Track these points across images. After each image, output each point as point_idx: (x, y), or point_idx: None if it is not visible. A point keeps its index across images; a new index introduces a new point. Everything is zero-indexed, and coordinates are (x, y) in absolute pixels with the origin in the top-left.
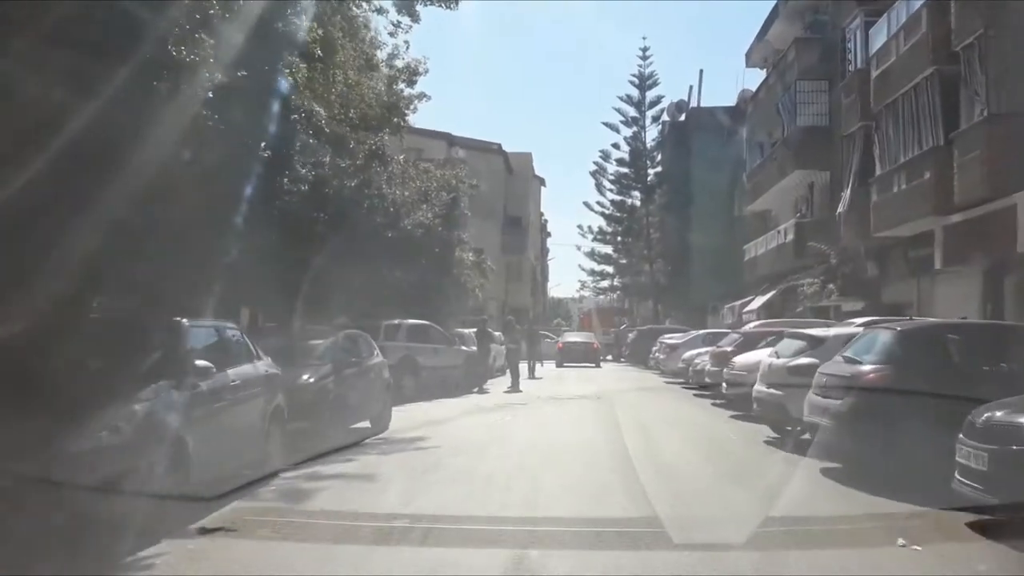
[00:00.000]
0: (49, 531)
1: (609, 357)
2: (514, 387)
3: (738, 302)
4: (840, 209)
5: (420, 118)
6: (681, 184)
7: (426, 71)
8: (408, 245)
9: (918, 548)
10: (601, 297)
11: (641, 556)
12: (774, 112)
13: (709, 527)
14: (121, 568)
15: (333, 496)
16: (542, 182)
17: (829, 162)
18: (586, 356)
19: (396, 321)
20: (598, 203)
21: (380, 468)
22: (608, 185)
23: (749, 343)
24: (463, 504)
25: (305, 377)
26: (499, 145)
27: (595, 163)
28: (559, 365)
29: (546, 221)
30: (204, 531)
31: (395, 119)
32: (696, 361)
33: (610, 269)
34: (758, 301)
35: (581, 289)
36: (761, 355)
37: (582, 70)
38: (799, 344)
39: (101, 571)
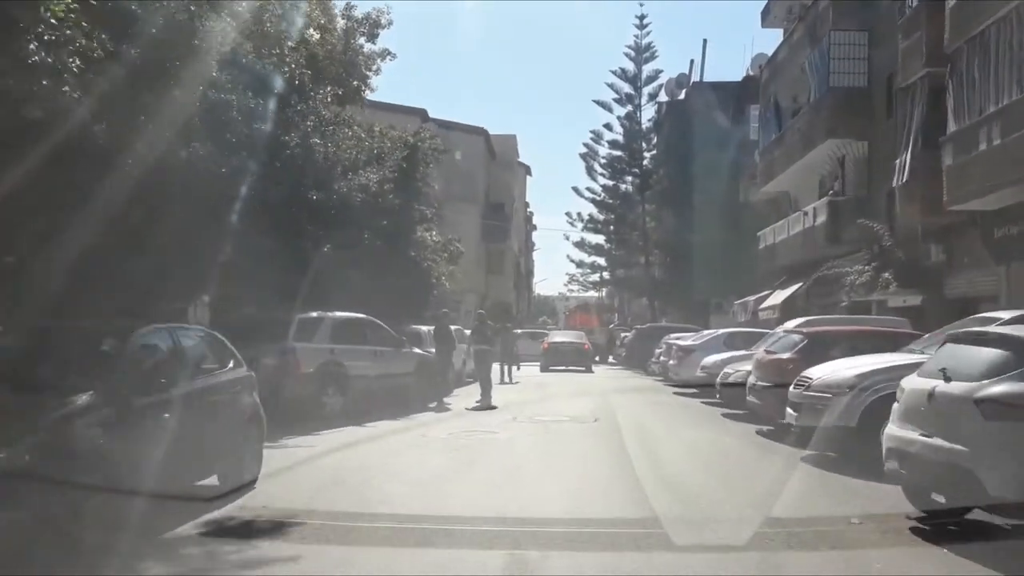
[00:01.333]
0: (47, 530)
1: (597, 358)
2: (484, 402)
3: (752, 297)
4: (898, 180)
5: (393, 94)
6: (680, 168)
7: (389, 23)
8: (345, 213)
9: None
10: (591, 293)
11: None
12: (798, 74)
13: None
14: (120, 568)
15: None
16: (528, 171)
17: (867, 130)
18: (576, 359)
19: (315, 314)
20: (588, 189)
21: None
22: (600, 169)
23: (818, 348)
24: None
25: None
26: (482, 128)
27: (586, 145)
28: (544, 369)
29: (531, 213)
30: (204, 532)
31: (355, 81)
32: (728, 371)
33: (601, 261)
34: (779, 295)
35: (569, 283)
36: (860, 367)
37: (575, 52)
38: (991, 355)
39: (101, 571)
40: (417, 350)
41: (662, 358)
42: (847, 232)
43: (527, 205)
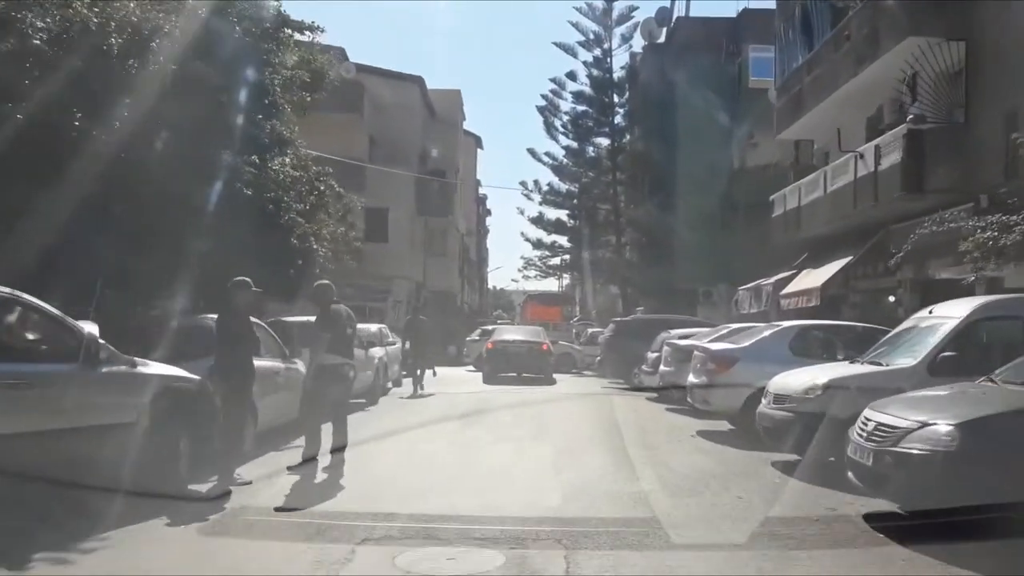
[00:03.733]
0: (45, 529)
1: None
2: (310, 453)
3: (768, 280)
4: None
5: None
6: (660, 127)
7: None
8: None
9: None
10: (551, 282)
11: None
12: None
13: None
14: (120, 568)
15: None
16: (479, 143)
17: (965, 23)
18: (531, 364)
19: None
20: (547, 154)
21: None
22: (562, 127)
23: None
24: None
25: None
26: (417, 76)
27: (545, 97)
28: (489, 378)
29: (485, 196)
30: (204, 530)
31: None
32: (901, 419)
33: (564, 241)
34: (814, 275)
35: (525, 267)
36: None
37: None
38: None
39: (99, 570)
40: (159, 370)
41: (665, 367)
42: (935, 176)
43: (478, 183)
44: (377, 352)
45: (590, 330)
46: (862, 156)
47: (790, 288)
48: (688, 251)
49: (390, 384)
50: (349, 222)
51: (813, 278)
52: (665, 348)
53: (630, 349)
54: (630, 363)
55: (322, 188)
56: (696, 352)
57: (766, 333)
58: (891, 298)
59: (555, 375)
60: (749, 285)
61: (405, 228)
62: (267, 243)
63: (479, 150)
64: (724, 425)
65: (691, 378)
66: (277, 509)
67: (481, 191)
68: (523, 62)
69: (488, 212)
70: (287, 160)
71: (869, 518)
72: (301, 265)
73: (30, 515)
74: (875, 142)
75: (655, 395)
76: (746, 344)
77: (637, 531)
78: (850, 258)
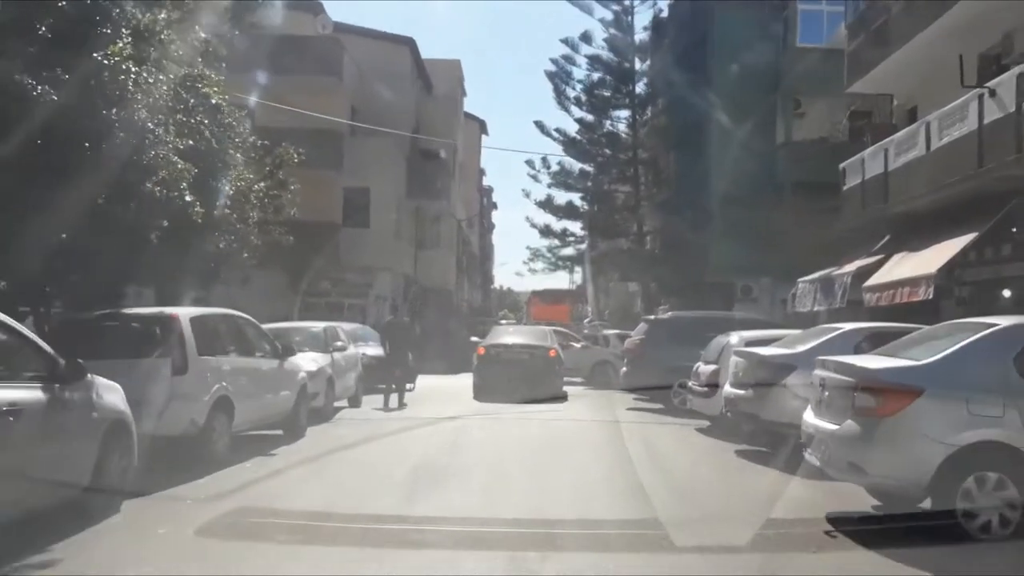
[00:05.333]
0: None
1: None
2: None
3: (843, 269)
4: None
5: None
6: (689, 96)
7: None
8: None
9: None
10: (562, 276)
11: None
12: None
13: None
14: (120, 568)
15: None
16: (483, 128)
17: None
18: (535, 377)
19: None
20: (557, 130)
21: None
22: (574, 99)
23: None
24: None
25: None
26: (407, 38)
27: (555, 61)
28: (480, 395)
29: (490, 188)
30: (201, 531)
31: None
32: None
33: (578, 228)
34: (922, 259)
35: (531, 259)
36: None
37: None
38: None
39: (97, 570)
40: None
41: (735, 389)
42: None
43: (482, 172)
44: (309, 362)
45: (603, 332)
46: (993, 93)
47: (878, 278)
48: (723, 240)
49: (346, 403)
50: (280, 179)
51: (917, 263)
52: (735, 360)
53: (669, 358)
54: (667, 376)
55: (215, 106)
56: (825, 373)
57: (957, 341)
58: (1006, 292)
59: (589, 388)
60: (813, 276)
61: (391, 212)
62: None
63: (484, 136)
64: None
65: (813, 419)
66: (274, 511)
67: (486, 182)
68: (533, 45)
69: (494, 206)
70: (150, 53)
71: None
72: (170, 229)
73: (23, 515)
74: (1018, 69)
75: (707, 423)
76: (931, 361)
77: None
78: (975, 234)
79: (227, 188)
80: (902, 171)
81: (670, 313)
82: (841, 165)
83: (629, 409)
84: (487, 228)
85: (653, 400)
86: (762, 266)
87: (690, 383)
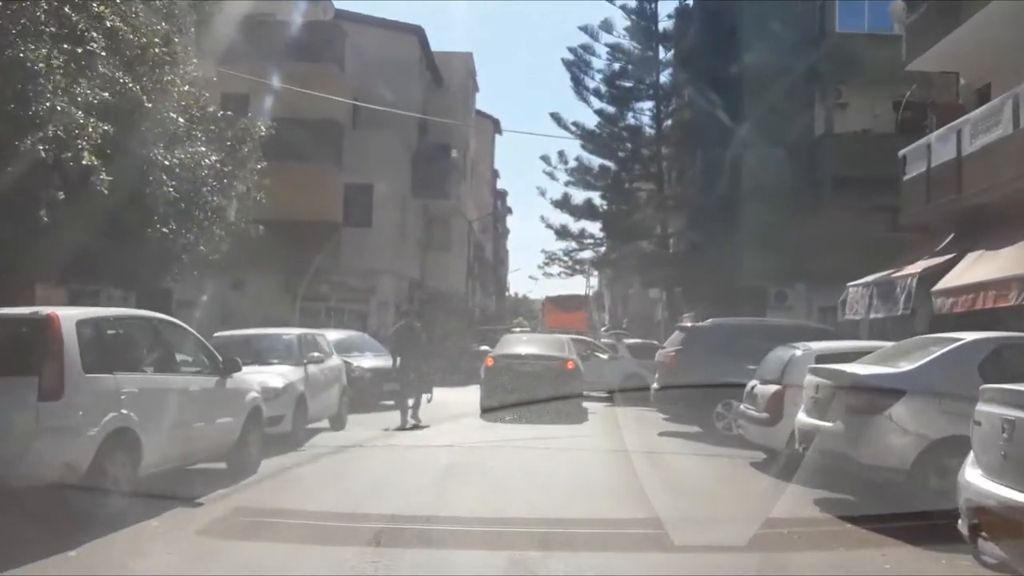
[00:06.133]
0: (43, 529)
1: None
2: None
3: (907, 272)
4: None
5: None
6: (718, 86)
7: None
8: None
9: None
10: (578, 280)
11: None
12: None
13: None
14: (120, 568)
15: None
16: (497, 127)
17: None
18: (551, 392)
19: None
20: (575, 124)
21: None
22: (594, 90)
23: None
24: None
25: None
26: (415, 26)
27: (572, 51)
28: (486, 411)
29: (504, 192)
30: (202, 531)
31: None
32: None
33: (596, 229)
34: (1008, 258)
35: (547, 263)
36: None
37: None
38: None
39: (97, 570)
40: None
41: (810, 418)
42: None
43: (496, 174)
44: (275, 378)
45: (625, 341)
46: None
47: (951, 281)
48: (755, 242)
49: (326, 423)
50: (246, 152)
51: (1004, 263)
52: (811, 381)
53: (709, 373)
54: (709, 397)
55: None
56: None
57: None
58: None
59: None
60: (866, 280)
61: (396, 211)
62: None
63: (497, 135)
64: None
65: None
66: (275, 511)
67: (499, 185)
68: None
69: (508, 210)
70: None
71: None
72: (75, 203)
73: (25, 515)
74: None
75: (761, 454)
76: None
77: None
78: None
79: (160, 158)
80: (980, 156)
81: (710, 320)
82: (901, 152)
83: (662, 434)
84: (501, 233)
85: (690, 421)
86: (798, 270)
87: (743, 406)
